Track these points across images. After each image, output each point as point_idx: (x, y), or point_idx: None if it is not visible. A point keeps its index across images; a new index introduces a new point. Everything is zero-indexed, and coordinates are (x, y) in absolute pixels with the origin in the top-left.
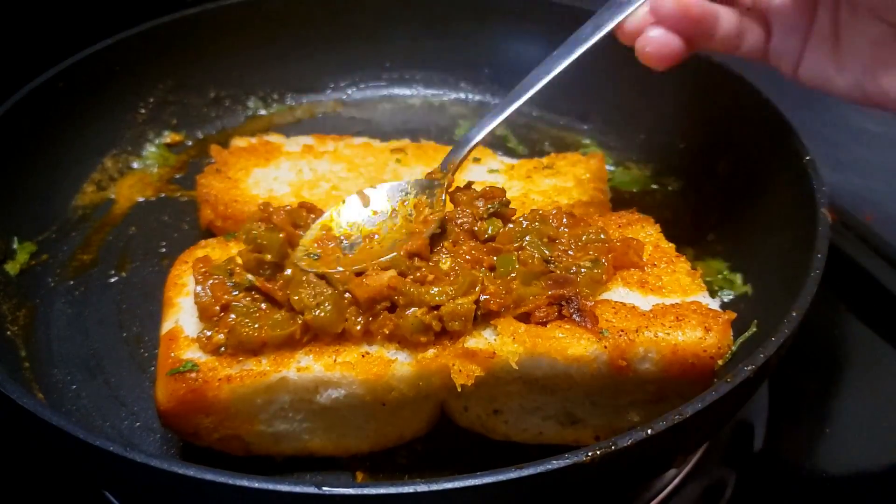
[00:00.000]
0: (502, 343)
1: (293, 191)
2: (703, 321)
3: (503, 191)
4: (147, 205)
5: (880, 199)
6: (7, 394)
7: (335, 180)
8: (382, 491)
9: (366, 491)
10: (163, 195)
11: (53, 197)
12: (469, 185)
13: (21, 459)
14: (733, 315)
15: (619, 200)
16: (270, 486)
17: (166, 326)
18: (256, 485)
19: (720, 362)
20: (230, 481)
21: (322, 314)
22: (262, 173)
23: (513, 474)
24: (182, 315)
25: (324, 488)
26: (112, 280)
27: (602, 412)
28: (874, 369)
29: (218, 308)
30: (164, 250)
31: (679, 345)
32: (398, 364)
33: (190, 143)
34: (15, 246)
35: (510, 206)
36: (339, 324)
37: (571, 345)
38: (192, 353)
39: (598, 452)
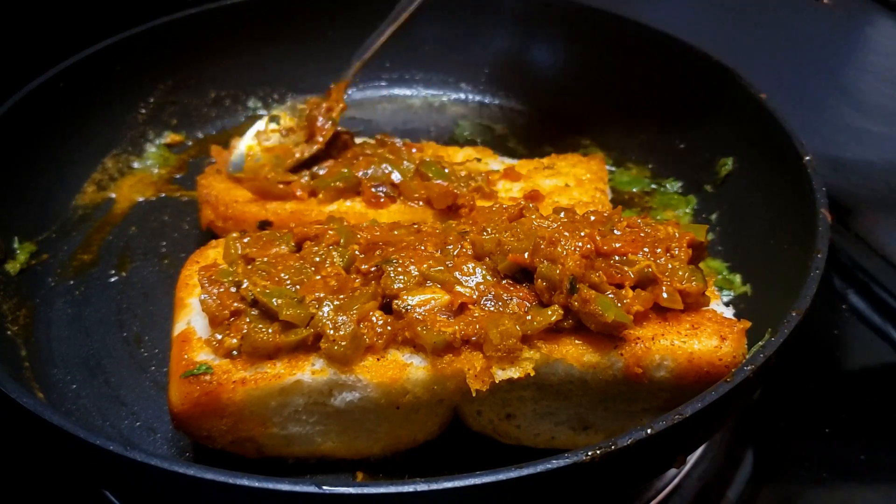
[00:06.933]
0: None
1: None
2: (718, 330)
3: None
4: (147, 205)
5: (880, 199)
6: (7, 393)
7: None
8: (382, 490)
9: (366, 490)
10: (163, 195)
11: (54, 197)
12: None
13: (21, 459)
14: (748, 324)
15: (619, 200)
16: (271, 486)
17: (178, 328)
18: (257, 484)
19: (734, 371)
20: (231, 481)
21: (338, 349)
22: None
23: (513, 474)
24: (193, 316)
25: (324, 487)
26: (112, 280)
27: (615, 418)
28: (874, 369)
29: (227, 313)
30: (164, 250)
31: (695, 353)
32: (413, 368)
33: (190, 143)
34: (15, 246)
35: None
36: (356, 358)
37: (588, 351)
38: (206, 356)
39: (598, 452)
